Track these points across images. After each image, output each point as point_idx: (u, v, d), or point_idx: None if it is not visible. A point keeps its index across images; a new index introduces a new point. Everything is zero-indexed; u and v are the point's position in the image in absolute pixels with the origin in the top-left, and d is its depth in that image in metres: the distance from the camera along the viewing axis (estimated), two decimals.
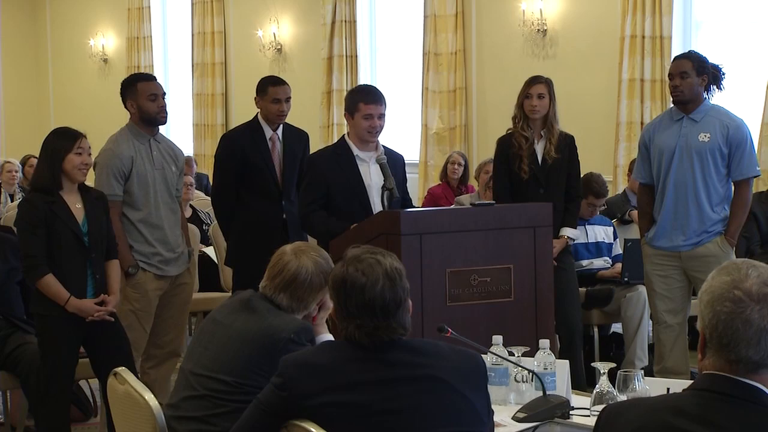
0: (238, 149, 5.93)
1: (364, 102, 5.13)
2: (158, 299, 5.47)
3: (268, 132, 5.96)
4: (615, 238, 6.93)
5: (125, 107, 5.51)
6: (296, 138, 6.09)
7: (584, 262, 6.73)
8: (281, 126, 6.00)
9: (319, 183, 5.17)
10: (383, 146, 5.30)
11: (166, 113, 5.53)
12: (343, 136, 5.32)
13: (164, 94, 5.53)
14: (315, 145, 10.45)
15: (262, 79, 6.07)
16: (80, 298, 4.83)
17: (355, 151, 5.18)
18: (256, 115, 6.04)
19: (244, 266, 5.88)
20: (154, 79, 5.66)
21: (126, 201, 5.35)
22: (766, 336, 2.00)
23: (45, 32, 15.97)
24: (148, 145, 5.45)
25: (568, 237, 5.85)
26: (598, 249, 6.82)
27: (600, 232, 6.85)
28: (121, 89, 5.54)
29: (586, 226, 6.77)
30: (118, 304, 5.06)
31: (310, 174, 5.27)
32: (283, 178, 5.94)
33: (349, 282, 2.74)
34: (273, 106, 5.91)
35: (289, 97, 5.97)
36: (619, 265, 6.71)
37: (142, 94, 5.41)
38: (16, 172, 10.44)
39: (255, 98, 6.00)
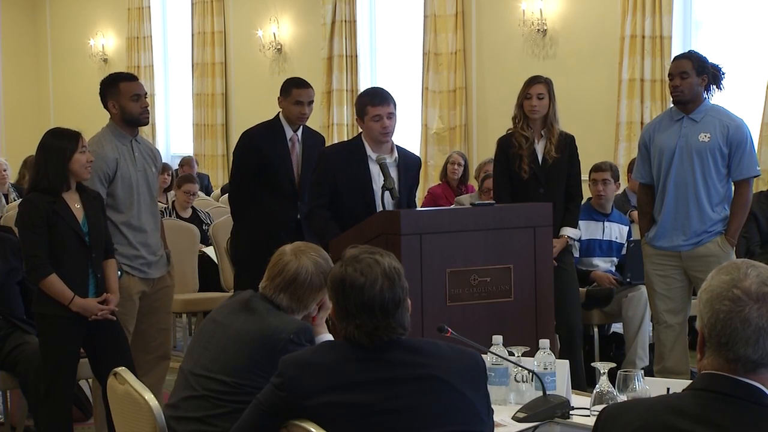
0: (257, 147, 5.93)
1: (371, 104, 5.11)
2: (139, 302, 5.43)
3: (289, 132, 5.96)
4: (629, 237, 6.90)
5: (105, 107, 5.41)
6: (314, 141, 6.09)
7: (595, 260, 6.72)
8: (302, 127, 6.00)
9: (328, 178, 5.16)
10: (400, 147, 5.28)
11: (149, 114, 5.49)
12: (360, 134, 5.30)
13: (146, 94, 5.49)
14: None
15: (287, 79, 6.08)
16: (82, 298, 4.82)
17: (368, 151, 5.15)
18: (278, 115, 6.03)
19: (253, 264, 5.88)
20: (136, 78, 5.58)
21: (109, 204, 5.23)
22: (764, 335, 2.00)
23: (45, 32, 15.98)
24: (130, 146, 5.36)
25: (568, 237, 5.85)
26: (610, 248, 6.79)
27: (615, 230, 6.82)
28: (101, 89, 5.42)
29: (605, 223, 6.76)
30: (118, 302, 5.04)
31: (320, 168, 5.26)
32: (300, 179, 5.94)
33: (348, 282, 2.74)
34: (295, 108, 5.91)
35: (312, 101, 5.98)
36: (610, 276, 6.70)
37: (125, 95, 5.32)
38: (5, 170, 10.40)
39: (278, 97, 6.00)
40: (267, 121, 6.12)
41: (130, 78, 5.51)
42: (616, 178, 6.90)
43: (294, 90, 5.92)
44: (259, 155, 5.91)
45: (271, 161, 5.89)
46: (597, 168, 6.78)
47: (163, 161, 10.84)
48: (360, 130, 5.28)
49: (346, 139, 9.27)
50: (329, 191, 5.13)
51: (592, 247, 6.68)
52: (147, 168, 5.42)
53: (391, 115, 5.12)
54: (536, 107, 5.70)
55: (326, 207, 5.13)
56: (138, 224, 5.34)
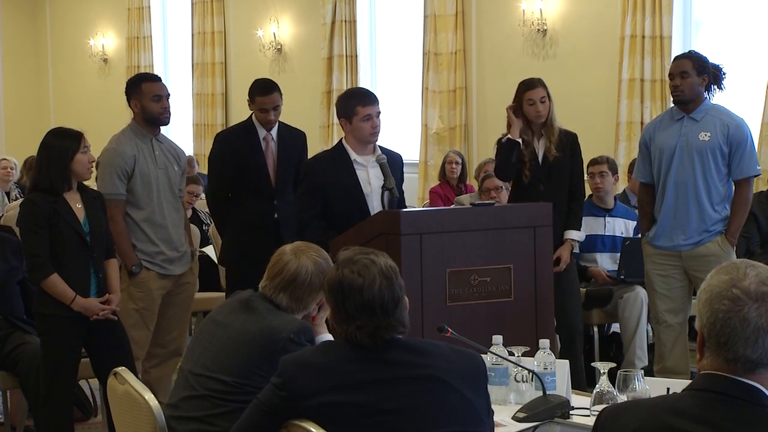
0: (232, 148, 5.95)
1: (362, 105, 5.09)
2: (161, 298, 5.48)
3: (262, 132, 5.97)
4: (636, 233, 6.88)
5: (129, 106, 5.52)
6: (292, 138, 6.08)
7: (596, 255, 6.71)
8: (277, 125, 6.00)
9: (317, 189, 5.12)
10: (381, 147, 5.28)
11: (170, 114, 5.54)
12: (341, 140, 5.28)
13: (168, 95, 5.55)
14: (314, 145, 10.48)
15: (253, 84, 6.04)
16: (84, 297, 4.83)
17: (353, 155, 5.13)
18: (251, 115, 6.04)
19: (236, 265, 5.92)
20: (159, 79, 5.68)
21: (129, 200, 5.37)
22: (763, 335, 2.00)
23: (45, 32, 15.97)
24: (151, 145, 5.47)
25: (572, 240, 5.80)
26: (614, 243, 6.76)
27: (620, 225, 6.78)
28: (126, 88, 5.57)
29: (606, 218, 6.74)
30: (119, 302, 5.06)
31: (308, 179, 5.23)
32: (277, 178, 5.94)
33: (346, 284, 2.74)
34: (260, 115, 5.93)
35: (278, 105, 5.92)
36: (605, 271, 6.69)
37: (146, 95, 5.44)
38: (12, 169, 10.42)
39: (247, 100, 6.00)
40: (241, 122, 6.15)
41: (152, 79, 5.66)
42: (614, 171, 6.88)
43: (257, 98, 5.92)
44: (233, 156, 5.92)
45: (246, 161, 5.90)
46: (594, 162, 6.78)
47: None
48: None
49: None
50: (320, 202, 5.10)
51: (592, 243, 6.64)
52: (169, 166, 5.51)
53: (379, 114, 5.13)
54: (541, 112, 5.66)
55: (319, 217, 5.11)
56: (158, 220, 5.43)
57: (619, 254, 6.76)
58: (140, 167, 5.38)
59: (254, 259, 5.71)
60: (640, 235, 6.03)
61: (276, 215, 5.91)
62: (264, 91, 5.94)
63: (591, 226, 6.61)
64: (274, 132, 5.98)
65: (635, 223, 6.85)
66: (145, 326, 5.42)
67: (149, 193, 5.40)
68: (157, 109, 5.45)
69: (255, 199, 5.93)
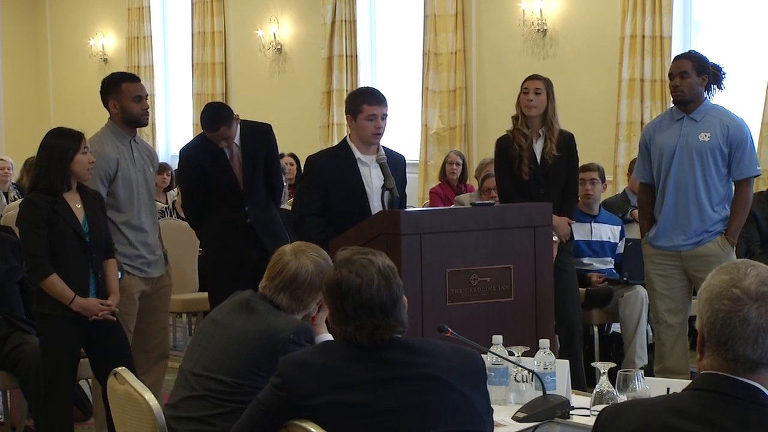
0: (195, 161, 5.90)
1: (368, 103, 5.10)
2: (139, 301, 5.43)
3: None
4: (622, 237, 6.89)
5: (105, 107, 5.41)
6: (255, 135, 5.97)
7: (585, 260, 6.72)
8: (238, 128, 5.90)
9: (318, 185, 5.13)
10: (384, 147, 5.28)
11: (149, 115, 5.50)
12: (345, 138, 5.28)
13: (147, 95, 5.49)
14: (314, 145, 10.48)
15: (203, 109, 5.92)
16: (83, 298, 4.82)
17: (357, 153, 5.14)
18: None
19: (213, 273, 5.92)
20: (138, 80, 5.58)
21: (110, 203, 5.25)
22: (763, 335, 2.00)
23: (45, 32, 15.98)
24: (130, 147, 5.38)
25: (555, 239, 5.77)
26: (602, 248, 6.79)
27: (606, 231, 6.81)
28: (102, 88, 5.43)
29: (592, 224, 6.75)
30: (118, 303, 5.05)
31: (310, 175, 5.23)
32: (245, 182, 5.87)
33: (345, 284, 2.74)
34: (216, 143, 5.83)
35: (228, 137, 5.78)
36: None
37: (126, 95, 5.33)
38: (9, 170, 10.43)
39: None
40: (201, 133, 6.06)
41: (132, 79, 5.52)
42: (603, 179, 6.91)
43: (207, 133, 5.82)
44: (198, 170, 5.88)
45: (211, 172, 5.85)
46: (585, 168, 6.75)
47: (163, 161, 10.88)
48: (347, 131, 5.26)
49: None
50: (321, 198, 5.09)
51: (580, 248, 6.66)
52: (146, 168, 5.45)
53: (385, 117, 5.12)
54: (533, 102, 5.66)
55: (319, 214, 5.10)
56: (138, 224, 5.36)
57: (611, 258, 6.80)
58: (122, 170, 5.28)
59: (231, 266, 5.75)
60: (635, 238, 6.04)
61: (249, 220, 5.86)
62: (210, 127, 5.80)
63: (577, 231, 6.60)
64: (236, 137, 5.88)
65: (620, 227, 6.89)
66: (128, 329, 5.37)
67: (130, 197, 5.31)
68: (138, 111, 5.34)
69: (226, 208, 5.86)
